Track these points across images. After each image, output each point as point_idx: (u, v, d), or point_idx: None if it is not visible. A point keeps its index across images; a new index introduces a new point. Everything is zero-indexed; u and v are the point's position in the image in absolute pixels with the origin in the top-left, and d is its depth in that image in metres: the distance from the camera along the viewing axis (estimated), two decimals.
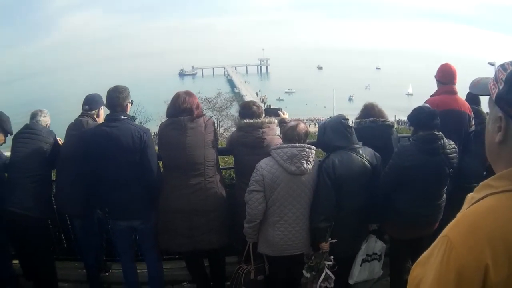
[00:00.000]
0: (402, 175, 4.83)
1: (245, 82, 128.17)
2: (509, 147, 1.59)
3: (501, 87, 1.59)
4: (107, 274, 6.25)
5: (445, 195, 5.02)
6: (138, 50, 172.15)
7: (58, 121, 6.18)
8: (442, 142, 4.76)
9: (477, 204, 1.59)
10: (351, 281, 4.99)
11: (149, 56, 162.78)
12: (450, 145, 4.85)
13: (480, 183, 1.66)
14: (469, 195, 1.68)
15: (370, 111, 5.57)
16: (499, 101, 1.59)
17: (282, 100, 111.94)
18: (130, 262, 5.58)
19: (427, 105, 5.16)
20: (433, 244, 1.57)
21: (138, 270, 5.64)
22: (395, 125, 5.83)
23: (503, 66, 1.63)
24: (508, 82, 1.56)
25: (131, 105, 5.40)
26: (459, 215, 1.60)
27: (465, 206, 1.65)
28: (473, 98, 5.88)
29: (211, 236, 5.10)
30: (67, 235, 6.49)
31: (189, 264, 5.61)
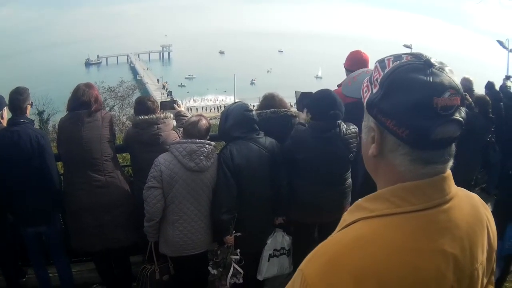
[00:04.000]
0: (296, 162, 4.76)
1: (147, 69, 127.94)
2: (386, 162, 1.35)
3: (374, 90, 1.33)
4: (24, 279, 6.01)
5: (349, 180, 4.95)
6: (47, 41, 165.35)
7: None
8: (339, 129, 4.64)
9: (344, 231, 1.35)
10: (259, 277, 4.90)
11: (57, 47, 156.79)
12: (349, 129, 4.74)
13: (355, 203, 1.42)
14: (344, 215, 1.43)
15: (270, 102, 5.40)
16: (370, 108, 1.34)
17: (184, 86, 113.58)
18: (42, 268, 5.48)
19: (329, 91, 4.83)
20: (295, 274, 1.34)
21: (50, 274, 5.55)
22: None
23: (381, 63, 1.35)
24: (384, 85, 1.30)
25: (31, 106, 5.27)
26: (319, 245, 1.34)
27: (337, 228, 1.41)
28: None
29: (118, 233, 5.00)
30: None
31: (99, 265, 5.47)
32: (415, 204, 1.28)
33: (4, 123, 5.30)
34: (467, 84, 8.08)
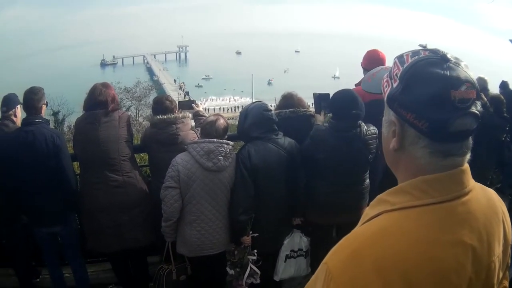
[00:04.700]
0: (316, 162, 4.75)
1: (164, 69, 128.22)
2: (407, 155, 1.38)
3: (395, 84, 1.37)
4: (38, 280, 6.01)
5: (368, 180, 4.93)
6: (62, 42, 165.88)
7: None
8: (359, 130, 4.65)
9: (367, 225, 1.39)
10: (276, 278, 4.88)
11: (72, 48, 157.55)
12: (369, 130, 4.73)
13: (377, 197, 1.45)
14: (366, 209, 1.47)
15: (289, 101, 5.37)
16: (391, 103, 1.38)
17: (201, 86, 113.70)
18: (57, 268, 5.46)
19: (351, 91, 4.80)
20: (318, 269, 1.36)
21: (65, 275, 5.52)
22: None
23: (400, 58, 1.40)
24: (403, 79, 1.34)
25: (46, 106, 5.22)
26: (342, 239, 1.37)
27: (359, 223, 1.45)
28: None
29: (136, 233, 4.97)
30: None
31: (115, 265, 5.44)
32: (434, 196, 1.31)
33: (18, 121, 5.30)
34: (482, 83, 8.03)
